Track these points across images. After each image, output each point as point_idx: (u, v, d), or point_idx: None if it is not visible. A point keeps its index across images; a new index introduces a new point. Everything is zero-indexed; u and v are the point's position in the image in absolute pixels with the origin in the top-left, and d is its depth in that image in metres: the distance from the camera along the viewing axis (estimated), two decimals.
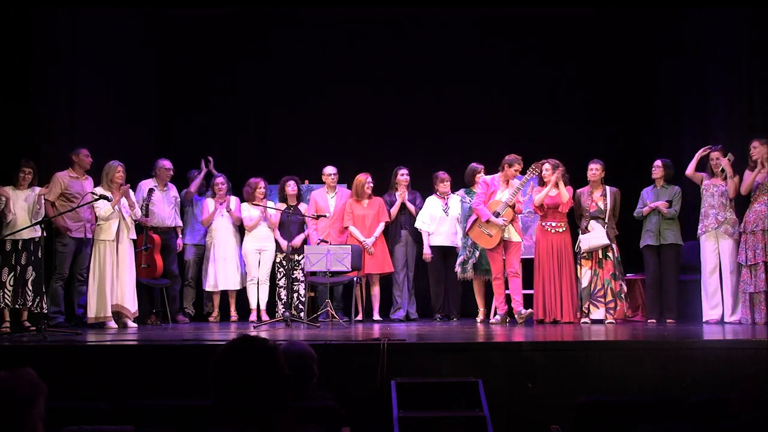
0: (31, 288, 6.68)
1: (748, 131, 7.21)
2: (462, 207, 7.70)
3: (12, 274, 6.67)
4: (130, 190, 7.07)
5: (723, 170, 6.96)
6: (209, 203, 7.99)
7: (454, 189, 7.93)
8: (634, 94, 9.00)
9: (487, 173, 7.44)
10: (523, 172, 6.94)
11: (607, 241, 7.08)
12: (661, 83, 8.94)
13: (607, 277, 7.08)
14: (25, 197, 6.84)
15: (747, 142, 6.94)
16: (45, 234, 6.25)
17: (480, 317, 7.50)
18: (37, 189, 6.87)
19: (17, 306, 6.69)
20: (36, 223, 6.43)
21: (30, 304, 6.69)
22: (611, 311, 7.03)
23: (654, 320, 7.13)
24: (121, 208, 6.95)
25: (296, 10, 8.68)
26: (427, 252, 7.80)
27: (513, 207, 6.87)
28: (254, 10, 8.70)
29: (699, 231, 7.08)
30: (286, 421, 2.13)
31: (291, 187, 7.90)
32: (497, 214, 6.83)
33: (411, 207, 7.96)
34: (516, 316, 6.88)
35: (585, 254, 7.16)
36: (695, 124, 8.35)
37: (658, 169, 7.33)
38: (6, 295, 6.65)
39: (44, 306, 6.46)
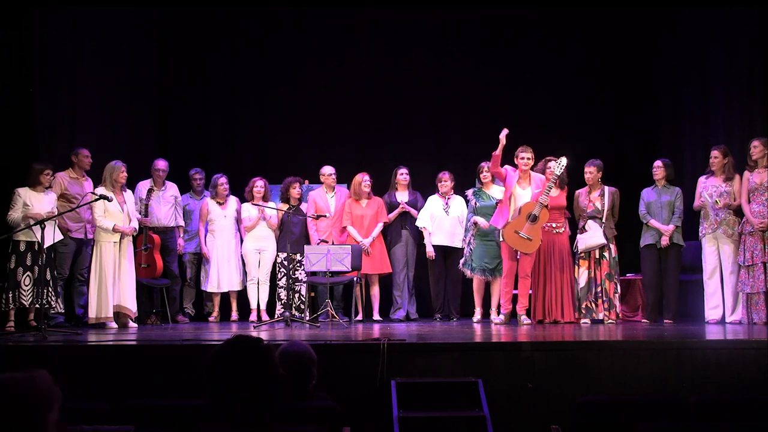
0: (52, 288, 6.63)
1: (748, 131, 7.22)
2: (468, 206, 7.65)
3: (27, 274, 6.62)
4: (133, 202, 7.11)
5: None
6: (213, 209, 7.95)
7: (456, 190, 7.92)
8: (634, 94, 9.00)
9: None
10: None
11: (604, 241, 7.07)
12: (661, 83, 8.93)
13: (603, 277, 7.08)
14: (47, 200, 6.74)
15: (747, 142, 6.94)
16: (43, 234, 6.18)
17: (477, 317, 7.49)
18: (53, 194, 6.82)
19: (43, 305, 6.37)
20: (36, 223, 6.39)
21: (54, 305, 6.67)
22: (606, 312, 7.03)
23: (654, 321, 7.13)
24: (126, 208, 6.93)
25: (296, 10, 8.69)
26: (430, 250, 7.78)
27: (547, 207, 6.75)
28: (254, 9, 8.71)
29: (700, 233, 7.07)
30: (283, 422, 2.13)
31: (296, 189, 7.85)
32: (534, 217, 6.67)
33: (413, 212, 7.93)
34: (518, 318, 6.89)
35: (582, 254, 7.16)
36: (695, 124, 8.36)
37: (659, 169, 7.31)
38: (22, 295, 6.60)
39: (61, 306, 6.71)
